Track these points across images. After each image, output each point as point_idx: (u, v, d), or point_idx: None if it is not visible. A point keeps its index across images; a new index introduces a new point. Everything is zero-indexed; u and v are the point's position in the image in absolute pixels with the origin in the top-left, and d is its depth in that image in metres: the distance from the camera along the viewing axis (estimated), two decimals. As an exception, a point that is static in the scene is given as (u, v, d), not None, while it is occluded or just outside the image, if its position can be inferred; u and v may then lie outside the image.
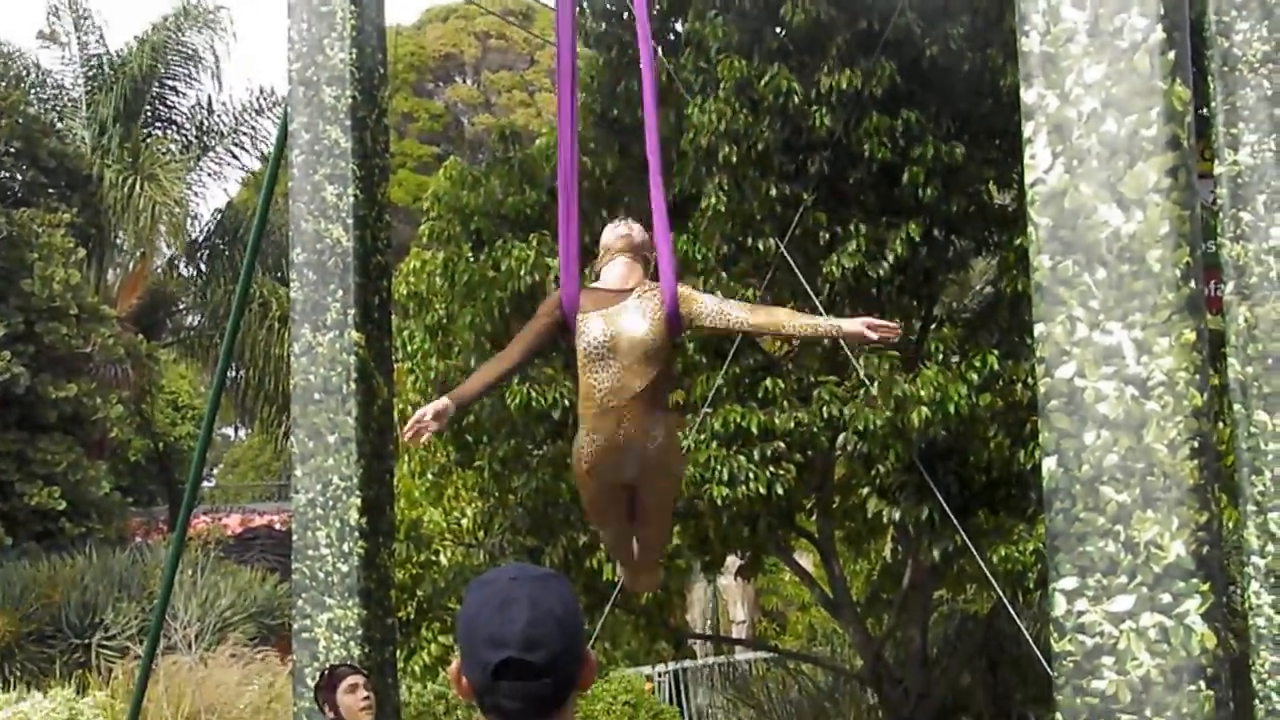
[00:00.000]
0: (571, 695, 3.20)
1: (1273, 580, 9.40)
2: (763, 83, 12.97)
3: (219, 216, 36.82)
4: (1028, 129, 7.03)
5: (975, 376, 12.58)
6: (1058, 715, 6.77)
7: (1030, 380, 12.19)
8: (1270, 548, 9.41)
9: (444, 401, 7.58)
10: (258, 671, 19.30)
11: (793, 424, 12.87)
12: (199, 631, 19.26)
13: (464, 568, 15.45)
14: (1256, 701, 9.53)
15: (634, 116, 14.03)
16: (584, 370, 7.69)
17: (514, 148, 14.87)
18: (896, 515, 13.19)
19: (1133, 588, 6.50)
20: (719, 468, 12.64)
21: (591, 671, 3.23)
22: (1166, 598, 6.44)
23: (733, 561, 17.74)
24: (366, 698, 8.47)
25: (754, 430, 12.70)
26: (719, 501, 12.65)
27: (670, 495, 8.22)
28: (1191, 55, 7.00)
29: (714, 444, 12.76)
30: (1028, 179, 7.05)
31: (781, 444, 12.86)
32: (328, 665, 8.92)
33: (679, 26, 14.69)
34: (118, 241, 33.85)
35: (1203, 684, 6.37)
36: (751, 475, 12.62)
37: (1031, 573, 12.58)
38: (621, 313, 7.65)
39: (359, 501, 9.78)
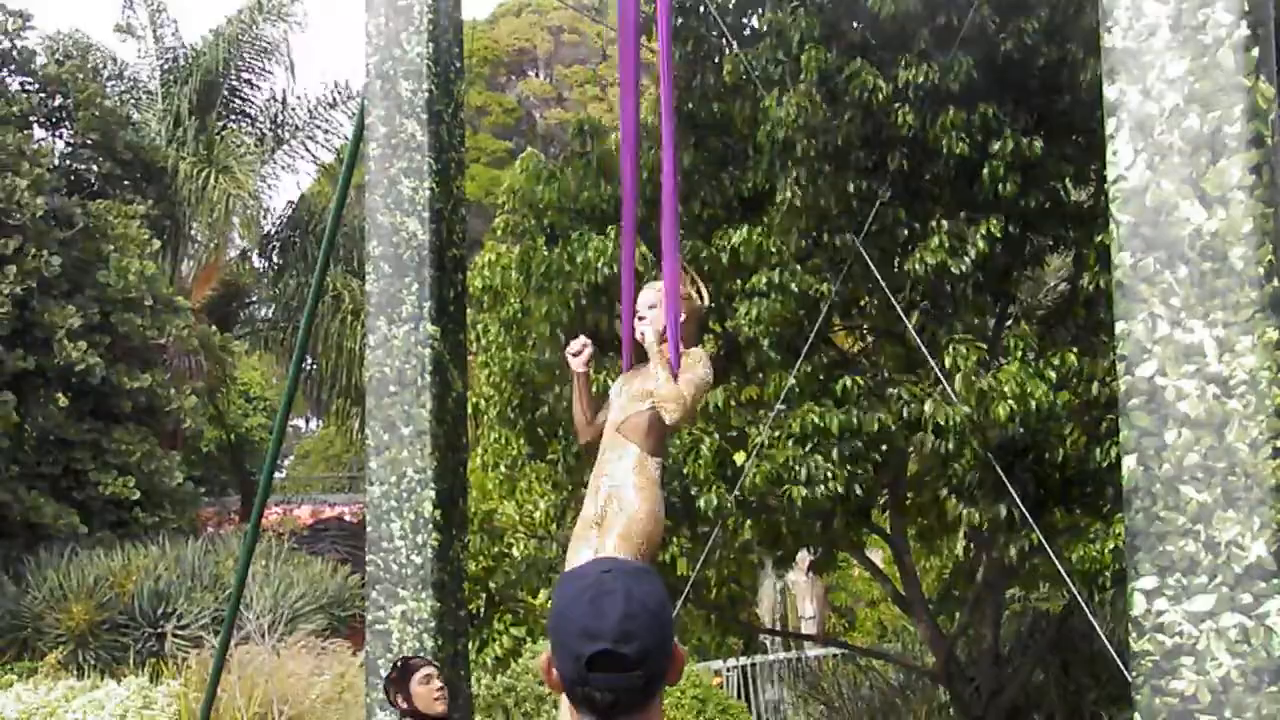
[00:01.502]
0: (661, 689, 3.19)
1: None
2: (844, 76, 12.92)
3: (291, 209, 37.01)
4: (1110, 125, 6.99)
5: (1053, 374, 12.50)
6: (1136, 715, 6.72)
7: (1107, 379, 12.11)
8: (1349, 549, 9.33)
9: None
10: (329, 663, 19.40)
11: (876, 425, 12.81)
12: (271, 622, 19.35)
13: (537, 560, 15.44)
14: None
15: (709, 111, 14.01)
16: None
17: (591, 142, 14.85)
18: (976, 517, 13.12)
19: (1213, 588, 6.46)
20: (797, 468, 12.59)
21: (681, 665, 3.23)
22: (1247, 598, 6.39)
23: (803, 557, 17.70)
24: (441, 688, 8.51)
25: (834, 430, 12.65)
26: (799, 503, 12.60)
27: None
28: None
29: (790, 444, 12.72)
30: (1109, 175, 7.01)
31: (859, 444, 12.80)
32: (400, 657, 8.96)
33: (754, 21, 14.64)
34: (192, 233, 34.07)
35: (1284, 685, 6.32)
36: (830, 475, 12.57)
37: (1107, 571, 12.50)
38: None
39: (433, 494, 9.82)
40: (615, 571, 3.18)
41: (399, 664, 8.72)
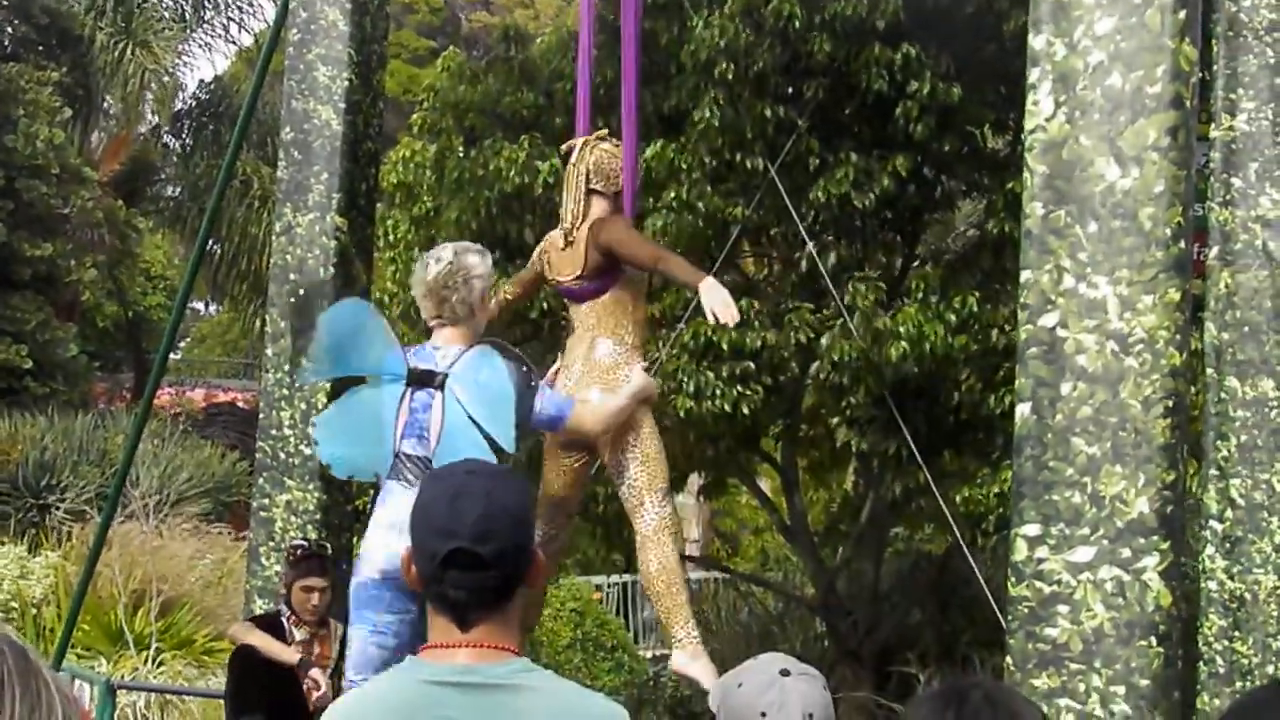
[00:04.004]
0: (517, 591, 3.25)
1: (1228, 546, 9.45)
2: (768, 7, 12.90)
3: (207, 89, 36.56)
4: (1032, 75, 7.02)
5: (953, 317, 12.59)
6: (1007, 659, 6.82)
7: (1007, 326, 12.21)
8: (1229, 513, 9.44)
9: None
10: (210, 546, 19.33)
11: (760, 343, 12.86)
12: (157, 502, 19.25)
13: (428, 460, 15.45)
14: (1201, 664, 9.60)
15: (641, 25, 13.93)
16: (639, 303, 7.83)
17: (516, 48, 14.78)
18: (865, 446, 13.23)
19: (1094, 540, 6.54)
20: (686, 380, 12.64)
21: (539, 570, 3.30)
22: (1126, 552, 6.48)
23: (693, 480, 17.78)
24: (316, 606, 8.47)
25: (724, 346, 12.72)
26: (682, 414, 12.65)
27: None
28: (1199, 17, 7.00)
29: (684, 357, 12.78)
30: (1027, 125, 7.04)
31: (751, 364, 12.87)
32: (302, 545, 8.84)
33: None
34: (104, 105, 33.63)
35: (1154, 640, 6.42)
36: (718, 392, 12.64)
37: (991, 516, 12.64)
38: None
39: (328, 385, 9.77)
40: (479, 473, 3.26)
41: (300, 554, 8.63)
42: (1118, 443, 6.55)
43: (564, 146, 8.16)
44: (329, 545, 9.18)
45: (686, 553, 28.14)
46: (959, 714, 2.69)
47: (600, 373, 7.60)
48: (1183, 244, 6.67)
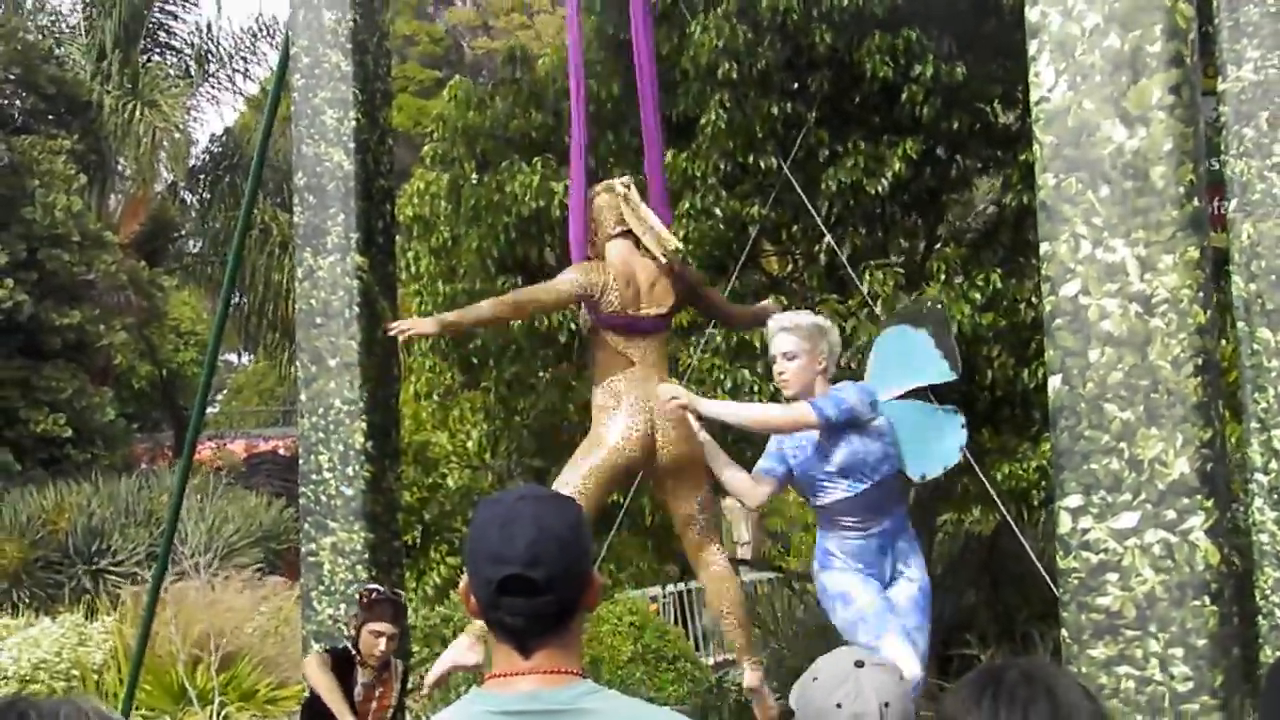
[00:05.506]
0: (576, 615, 3.25)
1: (1276, 497, 9.41)
2: (765, 3, 12.90)
3: (219, 142, 36.75)
4: (1032, 47, 7.02)
5: (978, 295, 12.56)
6: (1063, 632, 6.81)
7: (1034, 299, 12.18)
8: (1274, 464, 9.42)
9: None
10: (265, 596, 19.38)
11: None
12: (210, 559, 19.32)
13: (471, 490, 15.47)
14: (1260, 617, 9.56)
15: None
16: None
17: (521, 69, 14.80)
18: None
19: (1137, 504, 6.53)
20: (722, 378, 12.65)
21: (596, 593, 3.29)
22: (1170, 514, 6.47)
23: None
24: (383, 652, 8.57)
25: (757, 345, 12.72)
26: (722, 408, 12.66)
27: None
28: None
29: (717, 357, 12.78)
30: (1032, 97, 7.04)
31: (785, 357, 12.87)
32: (376, 589, 8.91)
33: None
34: (118, 168, 33.80)
35: (1207, 599, 6.41)
36: (755, 388, 12.64)
37: (1035, 491, 12.60)
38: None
39: (364, 425, 9.80)
40: (528, 498, 3.26)
41: (373, 597, 8.72)
42: (1151, 405, 6.54)
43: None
44: (402, 593, 9.27)
45: (737, 555, 28.12)
46: (995, 694, 2.70)
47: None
48: (1197, 200, 6.66)
